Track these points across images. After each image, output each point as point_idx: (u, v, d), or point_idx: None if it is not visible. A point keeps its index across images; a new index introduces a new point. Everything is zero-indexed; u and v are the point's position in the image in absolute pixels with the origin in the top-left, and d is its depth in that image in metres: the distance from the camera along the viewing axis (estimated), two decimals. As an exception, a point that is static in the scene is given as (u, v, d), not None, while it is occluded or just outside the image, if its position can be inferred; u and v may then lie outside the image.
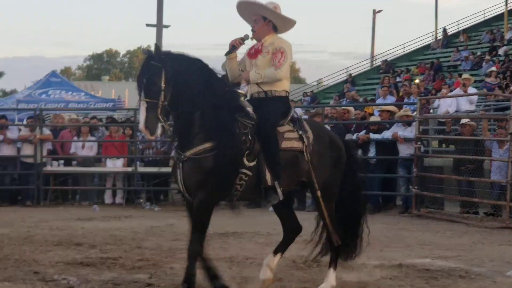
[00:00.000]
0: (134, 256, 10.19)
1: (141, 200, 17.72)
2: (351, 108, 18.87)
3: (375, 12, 60.28)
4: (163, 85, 7.30)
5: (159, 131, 7.34)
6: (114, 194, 18.27)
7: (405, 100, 21.03)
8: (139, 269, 9.21)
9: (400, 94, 24.74)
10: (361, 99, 27.68)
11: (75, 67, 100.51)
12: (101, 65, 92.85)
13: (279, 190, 7.55)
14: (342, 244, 8.08)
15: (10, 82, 76.61)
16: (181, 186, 7.46)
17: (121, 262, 9.75)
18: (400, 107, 17.89)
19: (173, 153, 7.76)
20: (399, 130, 16.30)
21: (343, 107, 19.20)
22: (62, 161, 18.77)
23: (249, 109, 7.67)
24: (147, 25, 36.02)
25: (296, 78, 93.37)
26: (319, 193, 7.84)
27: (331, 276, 8.04)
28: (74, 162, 18.75)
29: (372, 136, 16.57)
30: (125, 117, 24.77)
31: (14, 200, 17.97)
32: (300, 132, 7.77)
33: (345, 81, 43.65)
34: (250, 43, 8.18)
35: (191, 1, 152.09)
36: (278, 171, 7.58)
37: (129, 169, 17.94)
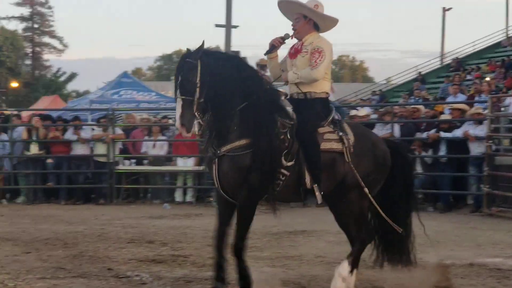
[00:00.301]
0: (205, 254, 10.25)
1: (211, 199, 17.83)
2: (421, 107, 18.74)
3: (445, 10, 59.67)
4: (198, 81, 7.25)
5: (195, 128, 7.36)
6: (184, 193, 18.41)
7: (476, 98, 20.82)
8: (210, 267, 9.30)
9: (471, 92, 24.44)
10: (431, 98, 27.40)
11: (145, 67, 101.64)
12: (171, 66, 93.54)
13: (317, 194, 7.47)
14: (389, 245, 8.06)
15: (84, 83, 77.82)
16: (217, 182, 7.44)
17: (192, 259, 9.87)
18: (471, 105, 17.69)
19: (208, 150, 7.63)
20: (470, 129, 16.06)
21: (412, 106, 19.07)
22: (133, 160, 18.99)
23: (289, 108, 7.57)
24: (216, 25, 36.13)
25: (364, 77, 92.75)
26: (366, 190, 7.63)
27: (345, 267, 7.62)
28: (145, 161, 18.97)
29: (443, 134, 16.36)
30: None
31: (88, 198, 18.22)
32: (341, 134, 7.61)
33: (415, 80, 43.20)
34: (292, 42, 8.06)
35: (260, 1, 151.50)
36: (318, 174, 7.47)
37: (200, 167, 18.03)
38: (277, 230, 12.58)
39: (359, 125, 8.81)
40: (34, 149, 18.45)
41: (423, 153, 16.83)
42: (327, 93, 7.92)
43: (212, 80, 7.32)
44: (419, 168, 16.74)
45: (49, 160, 18.55)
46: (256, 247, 10.89)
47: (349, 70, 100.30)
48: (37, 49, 72.34)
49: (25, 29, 71.51)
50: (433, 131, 16.66)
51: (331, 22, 8.07)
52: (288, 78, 7.82)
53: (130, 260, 9.83)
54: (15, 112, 21.42)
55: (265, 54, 8.09)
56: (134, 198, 18.38)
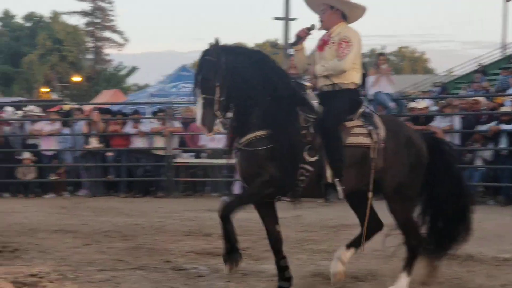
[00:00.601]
0: (261, 247, 10.28)
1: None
2: (482, 99, 18.51)
3: (506, 0, 58.74)
4: (218, 80, 7.16)
5: (217, 127, 7.46)
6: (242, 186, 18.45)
7: (538, 90, 20.49)
8: (266, 260, 9.32)
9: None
10: (492, 89, 26.98)
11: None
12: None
13: (339, 188, 7.25)
14: (449, 239, 7.71)
15: (144, 76, 78.66)
16: (240, 175, 7.54)
17: (248, 252, 9.88)
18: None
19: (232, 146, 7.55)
20: (531, 121, 15.88)
21: (472, 98, 18.84)
22: (192, 153, 19.11)
23: (315, 102, 7.42)
24: (275, 18, 36.16)
25: (425, 69, 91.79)
26: (371, 194, 7.41)
27: (402, 281, 7.50)
28: (203, 154, 19.05)
29: (504, 127, 16.16)
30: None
31: (147, 191, 18.38)
32: (370, 128, 7.35)
33: (476, 71, 42.62)
34: (320, 35, 7.84)
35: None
36: (339, 168, 7.22)
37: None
38: (334, 223, 12.56)
39: (394, 119, 8.55)
40: (94, 143, 18.70)
41: (484, 146, 16.65)
42: (356, 84, 7.63)
43: (233, 78, 7.24)
44: (479, 161, 16.60)
45: (109, 154, 18.78)
46: (313, 240, 10.92)
47: (409, 61, 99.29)
48: (98, 43, 73.15)
49: (87, 24, 72.33)
50: (493, 123, 16.48)
51: (359, 10, 7.77)
52: (316, 71, 7.65)
53: (188, 252, 9.91)
54: (77, 106, 21.75)
55: (291, 46, 7.99)
56: (192, 191, 18.50)
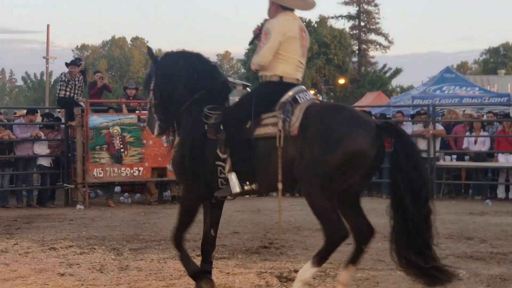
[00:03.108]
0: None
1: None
2: None
3: None
4: (152, 85, 7.50)
5: (157, 130, 7.49)
6: (507, 189, 17.96)
7: None
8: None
9: None
10: None
11: (471, 61, 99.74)
12: (497, 59, 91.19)
13: (231, 183, 6.74)
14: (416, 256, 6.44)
15: (408, 78, 78.00)
16: None
17: (510, 257, 9.67)
18: None
19: None
20: None
21: None
22: (454, 156, 18.85)
23: (236, 98, 7.09)
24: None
25: None
26: (280, 185, 6.63)
27: (306, 270, 6.66)
28: (466, 157, 18.72)
29: None
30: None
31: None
32: (282, 116, 6.64)
33: None
34: None
35: None
36: (235, 161, 6.74)
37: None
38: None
39: (334, 108, 7.25)
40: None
41: None
42: (280, 76, 7.00)
43: (162, 82, 7.43)
44: None
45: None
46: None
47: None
48: (364, 46, 73.85)
49: (352, 27, 73.28)
50: None
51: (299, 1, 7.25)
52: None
53: (448, 255, 9.80)
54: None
55: (248, 45, 7.83)
56: (455, 194, 18.24)
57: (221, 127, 6.88)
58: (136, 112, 17.83)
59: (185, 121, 7.28)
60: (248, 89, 7.45)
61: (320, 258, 6.64)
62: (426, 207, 6.51)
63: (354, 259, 7.00)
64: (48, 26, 70.99)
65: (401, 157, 6.47)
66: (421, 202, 6.45)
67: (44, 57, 59.84)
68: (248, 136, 6.80)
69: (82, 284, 8.03)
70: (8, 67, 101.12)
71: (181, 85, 7.34)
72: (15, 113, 19.27)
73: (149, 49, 7.81)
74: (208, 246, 7.39)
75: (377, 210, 15.28)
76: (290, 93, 6.85)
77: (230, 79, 7.64)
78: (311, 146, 6.43)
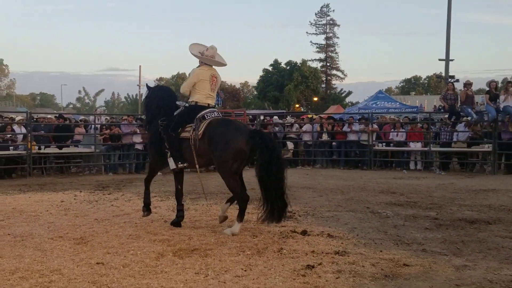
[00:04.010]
0: (427, 201, 10.06)
1: (433, 167, 17.27)
2: None
3: None
4: (144, 106, 8.30)
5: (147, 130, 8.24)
6: (416, 164, 17.90)
7: None
8: (430, 209, 9.08)
9: None
10: None
11: (394, 86, 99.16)
12: (409, 85, 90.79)
13: (170, 163, 7.29)
14: (271, 206, 6.65)
15: (356, 97, 78.20)
16: None
17: (418, 204, 9.69)
18: None
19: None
20: None
21: None
22: (384, 143, 18.75)
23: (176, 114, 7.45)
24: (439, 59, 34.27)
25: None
26: (198, 168, 7.19)
27: (236, 226, 6.81)
28: (391, 144, 18.54)
29: None
30: None
31: (356, 166, 18.37)
32: (193, 126, 7.05)
33: None
34: None
35: (469, 39, 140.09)
36: (171, 151, 7.23)
37: (425, 148, 17.49)
38: (475, 188, 11.94)
39: (225, 122, 7.21)
40: (324, 137, 18.99)
41: None
42: (196, 101, 7.35)
43: (147, 105, 7.98)
44: None
45: (333, 143, 18.94)
46: (461, 198, 10.42)
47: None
48: (329, 77, 73.28)
49: (322, 66, 72.68)
50: None
51: (202, 60, 7.53)
52: None
53: (380, 203, 9.83)
54: (314, 115, 22.00)
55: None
56: (384, 166, 18.16)
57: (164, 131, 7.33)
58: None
59: (152, 126, 7.68)
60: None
61: (241, 217, 6.85)
62: (279, 178, 6.65)
63: (230, 200, 7.34)
64: (140, 66, 71.63)
65: (264, 148, 6.64)
66: (275, 174, 6.62)
67: (137, 85, 61.35)
68: (178, 136, 7.21)
69: (162, 218, 8.10)
70: (116, 91, 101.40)
71: (154, 106, 7.77)
72: (121, 118, 19.39)
73: (147, 85, 8.34)
74: (180, 194, 7.59)
75: (337, 176, 15.38)
76: (202, 113, 7.16)
77: (178, 102, 7.75)
78: (214, 146, 6.81)
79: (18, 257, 5.61)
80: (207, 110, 7.24)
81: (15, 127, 16.47)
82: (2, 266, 5.26)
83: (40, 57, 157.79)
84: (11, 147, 15.89)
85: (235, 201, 7.14)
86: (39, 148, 16.19)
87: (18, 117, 18.35)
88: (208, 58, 7.49)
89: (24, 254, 5.76)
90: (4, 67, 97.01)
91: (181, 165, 7.26)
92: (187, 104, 7.51)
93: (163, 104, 7.66)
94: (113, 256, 5.64)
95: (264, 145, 6.68)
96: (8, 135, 16.15)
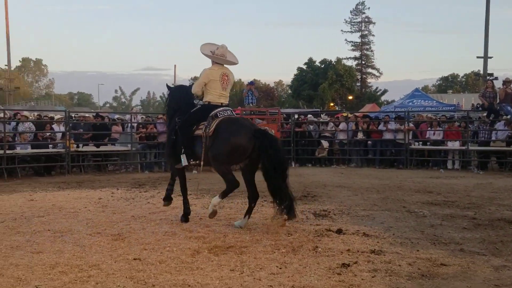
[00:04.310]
0: (465, 200, 9.89)
1: (471, 167, 16.94)
2: None
3: None
4: (166, 105, 8.41)
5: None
6: (453, 163, 17.58)
7: None
8: (468, 209, 8.92)
9: None
10: None
11: (431, 85, 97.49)
12: (447, 84, 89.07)
13: (182, 160, 7.38)
14: (280, 203, 6.78)
15: (391, 96, 76.97)
16: None
17: (456, 203, 9.53)
18: None
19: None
20: None
21: None
22: (421, 142, 18.50)
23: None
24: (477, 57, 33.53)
25: None
26: (202, 163, 7.29)
27: (216, 199, 7.10)
28: (428, 143, 18.31)
29: None
30: None
31: (392, 165, 18.20)
32: (206, 125, 7.17)
33: None
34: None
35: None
36: (184, 148, 7.36)
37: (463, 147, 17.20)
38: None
39: (234, 119, 7.33)
40: (359, 135, 18.83)
41: None
42: (208, 101, 7.51)
43: (169, 102, 8.17)
44: None
45: (369, 142, 18.78)
46: (499, 198, 10.21)
47: None
48: (364, 76, 72.64)
49: (357, 64, 71.95)
50: None
51: (213, 59, 7.66)
52: None
53: (417, 202, 9.71)
54: (349, 114, 21.87)
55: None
56: (420, 166, 17.92)
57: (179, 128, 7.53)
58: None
59: (171, 124, 7.91)
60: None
61: (224, 194, 7.06)
62: (283, 174, 6.81)
63: (248, 212, 7.35)
64: (175, 65, 72.13)
65: (267, 147, 6.77)
66: (279, 171, 6.76)
67: (172, 84, 60.60)
68: (192, 134, 7.36)
69: (197, 215, 8.16)
70: (152, 90, 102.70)
71: (173, 105, 7.99)
72: (157, 116, 19.60)
73: (167, 85, 8.46)
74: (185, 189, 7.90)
75: (372, 175, 15.25)
76: (215, 111, 7.30)
77: (195, 101, 7.87)
78: (217, 141, 7.00)
79: (58, 252, 5.75)
80: (221, 109, 7.39)
81: (54, 125, 16.87)
82: (42, 260, 5.39)
83: (78, 57, 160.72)
84: (50, 145, 16.27)
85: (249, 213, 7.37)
86: (77, 146, 16.54)
87: (57, 116, 18.76)
88: (218, 57, 7.60)
89: (64, 249, 5.90)
90: (43, 67, 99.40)
91: (193, 162, 7.45)
92: (201, 103, 7.71)
93: (181, 103, 7.85)
94: (149, 252, 5.73)
95: (267, 144, 6.82)
96: (48, 134, 16.54)
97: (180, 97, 7.96)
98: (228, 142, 6.92)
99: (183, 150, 7.41)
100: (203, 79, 7.52)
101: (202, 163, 7.32)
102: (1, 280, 4.70)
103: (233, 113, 7.60)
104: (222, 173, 7.06)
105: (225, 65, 7.71)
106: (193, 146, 7.36)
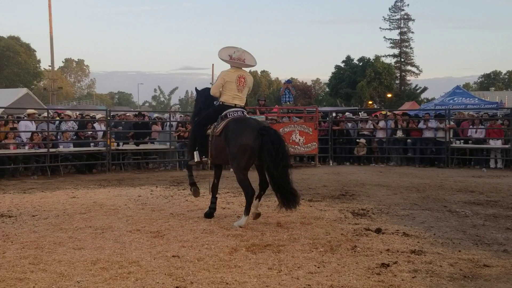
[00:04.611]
0: (508, 200, 9.62)
1: (515, 166, 16.51)
2: None
3: None
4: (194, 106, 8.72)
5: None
6: (496, 162, 17.14)
7: None
8: (510, 209, 8.69)
9: None
10: None
11: (472, 82, 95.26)
12: (489, 81, 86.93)
13: (195, 156, 7.81)
14: (281, 196, 6.91)
15: (431, 93, 75.18)
16: None
17: (499, 203, 9.28)
18: None
19: None
20: None
21: None
22: (462, 140, 18.09)
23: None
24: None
25: None
26: (209, 160, 7.72)
27: (243, 219, 7.10)
28: (469, 141, 17.87)
29: None
30: None
31: (432, 164, 17.87)
32: (215, 124, 7.53)
33: None
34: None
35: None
36: (198, 145, 7.80)
37: (506, 146, 16.73)
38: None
39: (240, 119, 7.41)
40: (399, 134, 18.56)
41: None
42: (223, 102, 7.70)
43: (196, 103, 8.55)
44: None
45: (408, 140, 18.50)
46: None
47: None
48: (403, 73, 71.48)
49: (396, 62, 70.90)
50: None
51: (230, 63, 7.87)
52: None
53: (458, 202, 9.51)
54: (388, 112, 21.59)
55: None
56: (462, 164, 17.56)
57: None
58: (264, 114, 17.94)
59: (193, 123, 8.41)
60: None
61: (247, 209, 7.12)
62: (284, 169, 6.87)
63: (258, 197, 7.43)
64: (212, 65, 72.54)
65: (268, 142, 6.87)
66: (280, 167, 6.82)
67: (210, 83, 62.08)
68: (204, 132, 7.72)
69: (235, 213, 8.19)
70: (190, 89, 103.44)
71: (198, 106, 8.37)
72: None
73: (196, 89, 8.73)
74: (215, 188, 8.16)
75: (412, 173, 15.02)
76: (226, 111, 7.56)
77: (215, 102, 7.97)
78: (227, 142, 7.19)
79: (99, 249, 5.85)
80: (231, 109, 7.62)
81: (95, 124, 17.19)
82: (84, 256, 5.49)
83: (118, 57, 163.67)
84: (91, 144, 16.59)
85: (259, 198, 7.49)
86: (118, 145, 16.82)
87: (99, 115, 19.12)
88: (235, 61, 7.82)
89: (105, 245, 6.00)
90: (85, 67, 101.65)
91: (205, 159, 7.80)
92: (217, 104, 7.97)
93: (204, 104, 8.17)
94: (188, 250, 5.76)
95: (268, 140, 6.92)
96: (89, 132, 16.87)
97: (205, 99, 8.22)
98: (235, 143, 7.08)
99: (198, 148, 7.83)
100: (219, 81, 7.77)
101: (209, 161, 7.75)
102: (45, 275, 4.81)
103: (245, 113, 7.76)
104: (239, 179, 7.19)
105: (243, 68, 7.94)
106: (205, 144, 7.71)
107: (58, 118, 17.16)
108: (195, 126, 8.00)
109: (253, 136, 6.99)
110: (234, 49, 7.86)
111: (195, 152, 7.83)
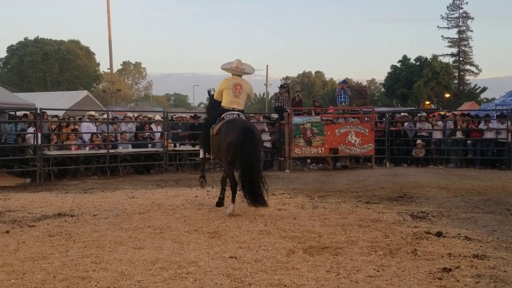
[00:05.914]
0: None
1: None
2: None
3: None
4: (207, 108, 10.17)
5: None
6: None
7: None
8: None
9: None
10: None
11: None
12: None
13: (200, 152, 9.36)
14: (250, 191, 7.76)
15: (491, 93, 72.47)
16: None
17: None
18: None
19: None
20: None
21: None
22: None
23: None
24: None
25: None
26: (211, 157, 8.90)
27: (231, 207, 8.24)
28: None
29: None
30: None
31: (494, 166, 17.25)
32: (214, 125, 8.58)
33: None
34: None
35: None
36: (203, 144, 9.15)
37: None
38: None
39: (232, 121, 8.36)
40: (458, 135, 18.05)
41: None
42: (223, 106, 8.65)
43: (208, 106, 9.91)
44: None
45: (468, 141, 17.95)
46: None
47: None
48: (461, 73, 69.42)
49: (454, 61, 69.00)
50: None
51: (230, 71, 8.88)
52: None
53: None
54: (447, 112, 20.99)
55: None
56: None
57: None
58: (320, 114, 17.84)
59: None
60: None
61: (233, 199, 8.30)
62: (251, 165, 7.73)
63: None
64: (267, 66, 73.36)
65: (242, 140, 7.81)
66: (252, 165, 7.74)
67: (264, 84, 62.89)
68: (208, 133, 8.80)
69: (291, 215, 8.15)
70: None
71: (209, 108, 9.61)
72: (249, 116, 19.91)
73: (208, 91, 10.03)
74: (224, 181, 9.18)
75: (473, 176, 14.55)
76: (224, 114, 8.56)
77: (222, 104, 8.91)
78: (220, 140, 8.24)
79: (158, 249, 5.94)
80: (228, 112, 8.57)
81: (153, 125, 17.54)
82: (143, 256, 5.59)
83: (174, 59, 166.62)
84: (149, 145, 16.93)
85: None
86: (175, 146, 17.09)
87: (157, 116, 19.49)
88: (233, 69, 8.83)
89: (163, 245, 6.08)
90: (142, 69, 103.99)
91: (208, 155, 8.97)
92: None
93: (214, 107, 9.13)
94: (245, 251, 5.77)
95: (243, 137, 7.80)
96: (147, 134, 17.22)
97: (214, 102, 9.17)
98: (223, 141, 8.13)
99: (203, 145, 9.14)
100: (219, 88, 8.83)
101: (212, 156, 8.86)
102: (106, 274, 4.92)
103: (241, 116, 8.58)
104: (225, 172, 8.51)
105: (242, 76, 8.90)
106: (209, 142, 8.81)
107: (119, 120, 17.58)
108: (202, 127, 9.26)
109: (237, 135, 7.90)
110: (234, 62, 8.85)
111: (201, 149, 9.26)
